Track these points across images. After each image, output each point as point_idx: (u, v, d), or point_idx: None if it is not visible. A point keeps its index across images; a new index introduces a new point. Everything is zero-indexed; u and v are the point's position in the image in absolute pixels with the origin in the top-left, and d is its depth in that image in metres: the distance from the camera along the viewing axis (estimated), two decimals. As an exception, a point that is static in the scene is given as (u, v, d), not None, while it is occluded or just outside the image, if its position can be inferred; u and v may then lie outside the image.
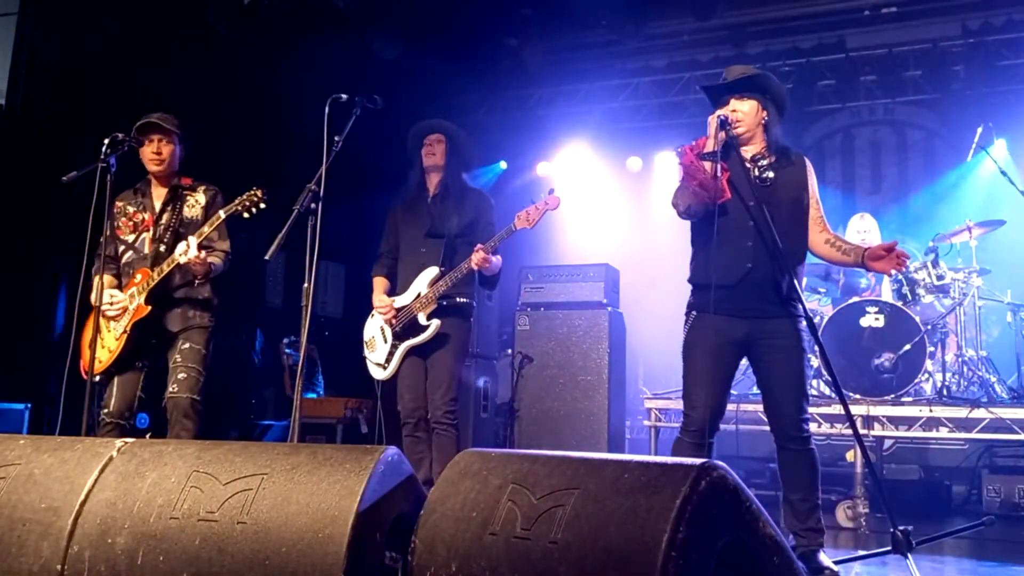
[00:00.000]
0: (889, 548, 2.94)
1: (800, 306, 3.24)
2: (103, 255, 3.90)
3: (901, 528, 2.90)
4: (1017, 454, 5.85)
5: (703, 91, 3.57)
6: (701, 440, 3.22)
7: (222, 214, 3.76)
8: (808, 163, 3.44)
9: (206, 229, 3.78)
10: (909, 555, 2.88)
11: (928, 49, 7.50)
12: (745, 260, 3.25)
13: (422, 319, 4.09)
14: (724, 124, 3.22)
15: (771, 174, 3.31)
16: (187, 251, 3.69)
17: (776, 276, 3.23)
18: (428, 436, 4.14)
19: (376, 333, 4.30)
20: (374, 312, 4.33)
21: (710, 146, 3.20)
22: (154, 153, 3.93)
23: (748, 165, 3.31)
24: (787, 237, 3.20)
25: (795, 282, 3.19)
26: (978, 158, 5.66)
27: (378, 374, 4.30)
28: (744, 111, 3.33)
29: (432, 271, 4.12)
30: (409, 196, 4.37)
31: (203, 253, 3.75)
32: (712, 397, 3.26)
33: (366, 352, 4.37)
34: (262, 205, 3.72)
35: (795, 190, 3.35)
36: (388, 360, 4.20)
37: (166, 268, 3.78)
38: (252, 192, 3.73)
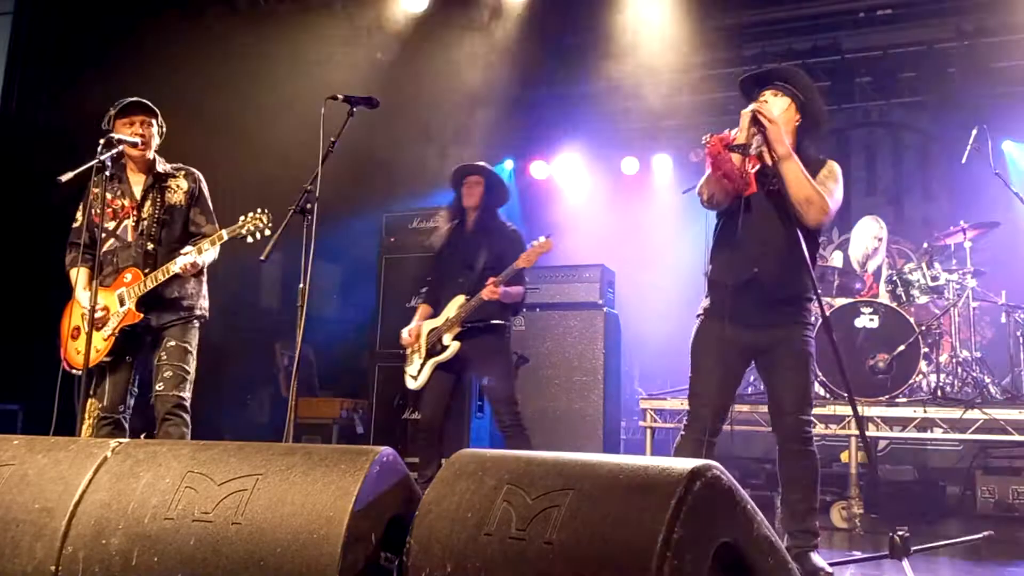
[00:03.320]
0: (886, 552, 2.94)
1: (809, 314, 3.24)
2: (79, 244, 3.76)
3: (899, 533, 2.90)
4: (1011, 455, 5.86)
5: (740, 83, 3.49)
6: (704, 439, 3.22)
7: (224, 235, 3.69)
8: (828, 165, 3.34)
9: (206, 245, 3.72)
10: (905, 559, 2.88)
11: (923, 51, 7.51)
12: (753, 263, 3.25)
13: (446, 340, 4.58)
14: (756, 121, 3.15)
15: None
16: (187, 267, 3.67)
17: (784, 281, 3.23)
18: (439, 443, 4.57)
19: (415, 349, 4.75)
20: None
21: (740, 138, 3.15)
22: (137, 135, 3.79)
23: (768, 168, 3.25)
24: (796, 242, 3.17)
25: (805, 287, 3.18)
26: (973, 160, 5.66)
27: (410, 384, 4.76)
28: (776, 104, 3.26)
29: (460, 299, 4.59)
30: (452, 229, 4.79)
31: (192, 264, 3.70)
32: (718, 399, 3.27)
33: (406, 364, 4.80)
34: (267, 232, 3.61)
35: None
36: (419, 373, 4.68)
37: (161, 276, 3.71)
38: (257, 216, 3.64)
